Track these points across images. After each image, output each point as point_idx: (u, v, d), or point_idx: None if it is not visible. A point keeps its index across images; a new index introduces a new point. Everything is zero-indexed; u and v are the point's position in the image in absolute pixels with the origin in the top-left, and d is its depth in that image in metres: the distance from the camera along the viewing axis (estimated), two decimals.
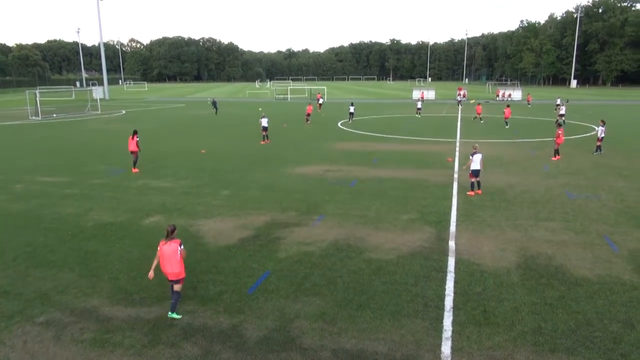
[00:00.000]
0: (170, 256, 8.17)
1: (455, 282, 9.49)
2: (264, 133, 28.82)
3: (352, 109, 41.45)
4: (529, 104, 61.84)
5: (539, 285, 9.40)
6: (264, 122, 28.67)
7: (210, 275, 9.92)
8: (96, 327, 8.04)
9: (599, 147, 24.34)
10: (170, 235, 8.27)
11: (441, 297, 8.89)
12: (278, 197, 16.13)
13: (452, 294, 9.00)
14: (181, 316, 8.32)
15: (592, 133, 32.93)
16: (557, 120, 39.04)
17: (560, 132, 23.00)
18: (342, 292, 9.14)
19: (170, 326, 8.04)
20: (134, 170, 20.46)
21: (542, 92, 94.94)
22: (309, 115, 41.04)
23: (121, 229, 12.96)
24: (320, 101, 58.52)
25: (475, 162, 16.17)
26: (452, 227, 12.80)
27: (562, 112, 40.61)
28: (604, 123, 24.89)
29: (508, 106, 38.20)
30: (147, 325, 8.08)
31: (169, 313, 8.34)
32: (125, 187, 17.68)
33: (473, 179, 16.39)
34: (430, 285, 9.37)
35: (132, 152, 20.53)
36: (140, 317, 8.33)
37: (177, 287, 8.33)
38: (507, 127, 36.35)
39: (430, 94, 76.71)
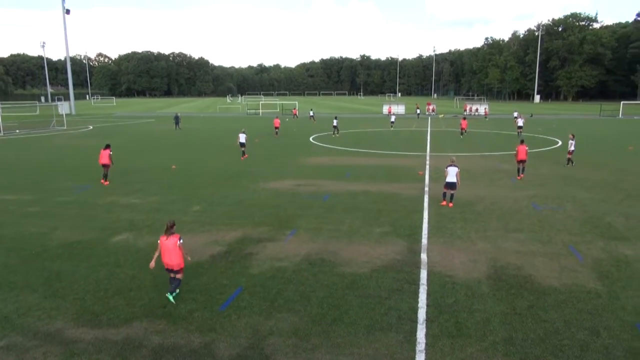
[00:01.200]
0: (171, 249, 9.10)
1: (428, 295, 9.57)
2: (242, 148, 28.72)
3: (335, 123, 42.87)
4: (486, 117, 64.77)
5: (508, 295, 9.57)
6: (242, 137, 28.60)
7: (181, 293, 9.70)
8: (61, 350, 7.72)
9: (570, 160, 25.09)
10: (170, 229, 9.17)
11: (414, 310, 8.94)
12: (250, 212, 16.00)
13: (425, 307, 9.06)
14: (175, 302, 9.25)
15: (557, 146, 34.11)
16: (520, 133, 40.95)
17: (519, 148, 21.54)
18: (316, 308, 9.08)
19: (139, 347, 7.80)
20: (104, 183, 20.63)
21: (507, 107, 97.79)
22: (277, 128, 42.60)
23: (87, 247, 12.57)
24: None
25: (450, 175, 16.48)
26: (424, 240, 12.94)
27: (520, 124, 42.09)
28: (573, 137, 25.55)
29: (464, 118, 43.24)
30: (114, 347, 7.81)
31: (167, 294, 9.33)
32: (92, 205, 17.21)
33: (446, 190, 16.68)
34: (404, 298, 9.42)
35: (103, 165, 20.71)
36: (108, 339, 8.05)
37: (179, 276, 9.38)
38: (461, 137, 40.04)
39: (400, 109, 78.18)
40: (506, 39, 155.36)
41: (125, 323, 8.55)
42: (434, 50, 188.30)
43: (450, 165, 16.58)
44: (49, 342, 7.97)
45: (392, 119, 51.23)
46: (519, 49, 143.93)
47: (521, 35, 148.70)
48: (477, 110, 75.84)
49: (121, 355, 7.57)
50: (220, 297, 9.53)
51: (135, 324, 8.50)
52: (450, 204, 16.56)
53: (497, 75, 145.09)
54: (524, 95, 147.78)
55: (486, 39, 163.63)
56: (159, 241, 9.28)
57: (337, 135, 41.66)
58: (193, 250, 12.24)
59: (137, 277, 10.56)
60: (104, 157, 20.53)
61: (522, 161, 21.69)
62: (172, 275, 9.39)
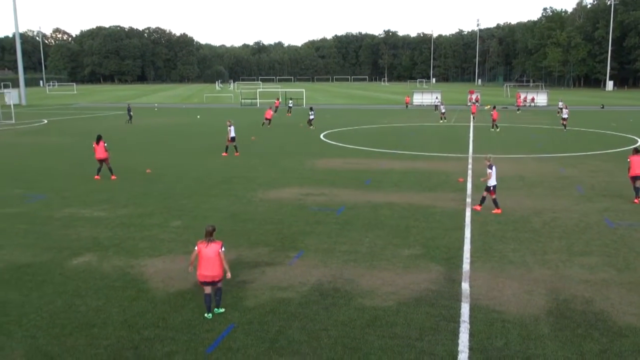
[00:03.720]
0: (212, 258, 9.99)
1: (471, 335, 9.51)
2: (228, 143, 30.11)
3: (312, 115, 46.18)
4: (518, 109, 64.29)
5: (575, 336, 9.48)
6: (233, 131, 30.03)
7: (157, 331, 9.73)
8: None
9: None
10: (210, 235, 10.07)
11: (453, 355, 8.88)
12: (245, 228, 16.05)
13: (467, 351, 9.00)
14: (225, 309, 10.37)
15: (636, 145, 33.75)
16: (565, 126, 42.75)
17: (632, 159, 19.19)
18: (328, 350, 9.06)
19: None
20: (112, 178, 23.56)
21: (573, 96, 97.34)
22: (267, 119, 46.16)
23: (40, 272, 12.68)
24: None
25: (495, 176, 17.54)
26: (466, 265, 12.89)
27: (565, 115, 44.01)
28: None
29: (494, 107, 46.23)
30: None
31: (215, 309, 10.30)
32: (46, 218, 17.38)
33: (490, 195, 17.69)
34: (440, 340, 9.37)
35: (100, 160, 23.39)
36: None
37: (219, 284, 10.32)
38: (496, 130, 43.05)
39: (433, 98, 78.12)
40: (570, 9, 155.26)
41: None
42: (478, 24, 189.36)
43: (493, 165, 17.62)
44: None
45: (443, 109, 54.16)
46: (586, 23, 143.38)
47: (589, 5, 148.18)
48: (533, 100, 75.78)
49: None
50: (207, 337, 9.54)
51: None
52: (499, 210, 17.57)
53: (559, 56, 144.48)
54: (592, 81, 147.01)
55: (544, 9, 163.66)
56: (195, 248, 10.14)
57: (312, 128, 45.19)
58: (173, 277, 12.29)
59: (102, 309, 10.61)
60: (100, 151, 23.02)
61: (637, 177, 19.18)
62: (207, 290, 10.19)
